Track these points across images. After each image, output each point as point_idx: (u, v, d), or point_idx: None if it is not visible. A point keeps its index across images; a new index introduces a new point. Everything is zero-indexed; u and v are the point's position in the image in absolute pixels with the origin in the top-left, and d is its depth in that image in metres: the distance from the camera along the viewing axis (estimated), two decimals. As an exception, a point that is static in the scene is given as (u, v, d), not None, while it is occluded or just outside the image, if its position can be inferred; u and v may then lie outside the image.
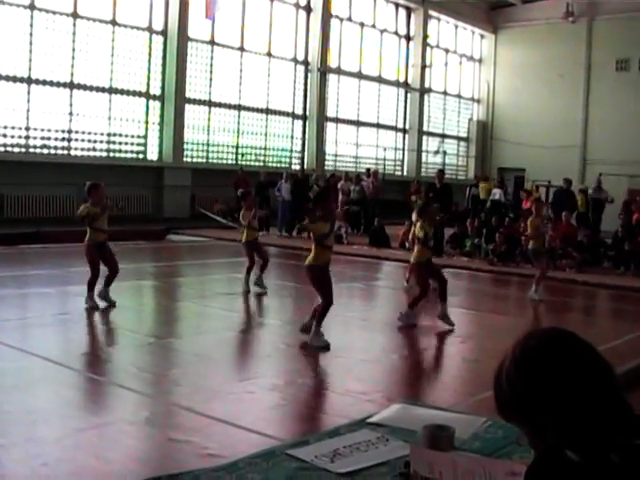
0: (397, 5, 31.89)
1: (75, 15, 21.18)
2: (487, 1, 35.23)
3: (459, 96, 36.16)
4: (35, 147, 20.84)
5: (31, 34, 20.26)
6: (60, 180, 19.93)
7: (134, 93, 22.95)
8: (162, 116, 23.63)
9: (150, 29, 23.12)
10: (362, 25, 30.34)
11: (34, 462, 4.63)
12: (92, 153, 22.10)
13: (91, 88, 21.82)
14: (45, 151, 21.04)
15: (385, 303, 12.65)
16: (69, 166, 20.49)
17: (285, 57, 27.41)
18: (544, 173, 28.36)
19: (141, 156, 23.50)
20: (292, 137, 28.20)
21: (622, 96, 30.60)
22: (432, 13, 33.03)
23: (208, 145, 25.36)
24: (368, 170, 25.94)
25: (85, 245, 9.90)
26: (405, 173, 33.09)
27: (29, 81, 20.38)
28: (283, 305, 11.74)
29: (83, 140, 21.87)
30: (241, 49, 25.70)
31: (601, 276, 15.37)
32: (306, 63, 28.07)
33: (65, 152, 21.47)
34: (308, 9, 27.92)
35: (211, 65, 24.90)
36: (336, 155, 29.96)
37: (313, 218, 8.44)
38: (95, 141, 22.18)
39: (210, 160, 25.40)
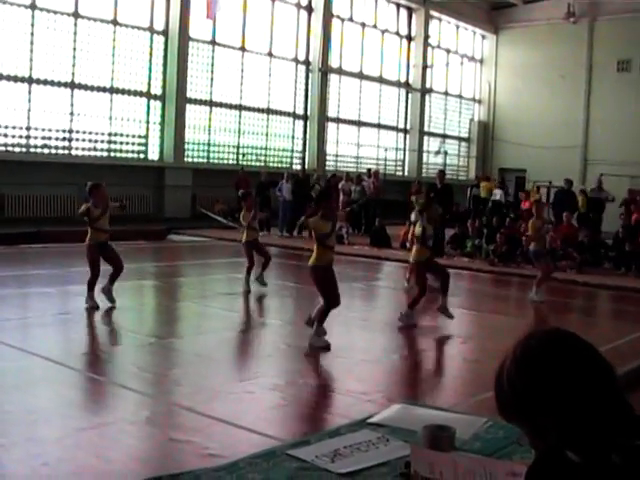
0: (398, 5, 31.89)
1: (76, 15, 21.18)
2: (488, 1, 35.22)
3: (460, 96, 36.16)
4: (36, 147, 20.85)
5: (32, 34, 20.26)
6: (61, 180, 19.94)
7: (135, 93, 22.95)
8: (163, 116, 23.64)
9: (151, 29, 23.13)
10: (363, 25, 30.34)
11: (35, 462, 4.63)
12: (93, 153, 22.11)
13: (92, 88, 21.82)
14: (46, 151, 21.04)
15: (386, 303, 12.65)
16: (70, 166, 20.50)
17: (286, 57, 27.41)
18: (545, 174, 28.34)
19: (142, 156, 23.50)
20: (293, 137, 28.20)
21: (623, 97, 30.59)
22: (433, 13, 33.03)
23: (209, 145, 25.36)
24: (369, 170, 25.94)
25: (86, 245, 9.90)
26: (406, 173, 33.09)
27: (30, 81, 20.38)
28: (284, 305, 11.74)
29: (84, 140, 21.88)
30: (242, 49, 25.71)
31: (602, 277, 15.36)
32: (307, 63, 28.07)
33: (66, 152, 21.48)
34: (309, 9, 27.92)
35: (212, 65, 24.90)
36: (337, 155, 29.97)
37: (313, 216, 8.43)
38: (96, 141, 22.18)
39: (211, 160, 25.40)
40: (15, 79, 20.11)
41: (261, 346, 8.65)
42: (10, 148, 20.28)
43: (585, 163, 32.16)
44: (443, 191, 17.87)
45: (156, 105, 23.58)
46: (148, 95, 23.33)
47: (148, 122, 23.48)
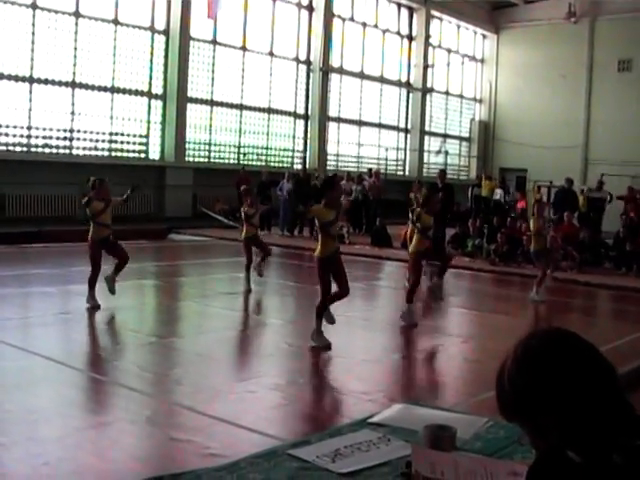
0: (399, 5, 31.88)
1: (77, 14, 21.17)
2: (489, 1, 35.20)
3: (461, 96, 36.15)
4: (37, 146, 20.84)
5: (33, 33, 20.25)
6: (62, 179, 19.94)
7: (136, 92, 22.95)
8: (164, 115, 23.63)
9: (152, 28, 23.13)
10: (364, 25, 30.32)
11: (35, 461, 4.63)
12: (94, 152, 22.11)
13: (93, 87, 21.82)
14: (47, 150, 21.04)
15: (387, 303, 12.66)
16: (71, 165, 20.49)
17: (287, 56, 27.40)
18: (546, 173, 28.34)
19: (143, 155, 23.50)
20: (294, 137, 28.18)
21: (624, 96, 30.59)
22: (434, 13, 33.01)
23: (210, 144, 25.36)
24: (370, 170, 25.94)
25: (89, 241, 9.89)
26: (407, 173, 33.08)
27: (31, 80, 20.38)
28: (284, 304, 11.75)
29: (85, 139, 21.88)
30: (243, 48, 25.70)
31: (602, 277, 15.35)
32: (308, 63, 28.06)
33: (67, 151, 21.48)
34: (310, 8, 27.91)
35: (213, 64, 24.89)
36: (338, 155, 29.96)
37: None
38: (97, 140, 22.18)
39: (212, 159, 25.40)
40: (16, 78, 20.10)
41: (262, 345, 8.65)
42: (11, 147, 20.28)
43: (586, 163, 32.15)
44: (444, 191, 17.83)
45: (157, 104, 23.57)
46: (149, 94, 23.33)
47: (149, 121, 23.47)
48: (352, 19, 29.77)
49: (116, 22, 22.11)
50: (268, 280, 12.14)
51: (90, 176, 10.25)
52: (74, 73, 21.29)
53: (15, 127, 20.29)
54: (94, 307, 9.58)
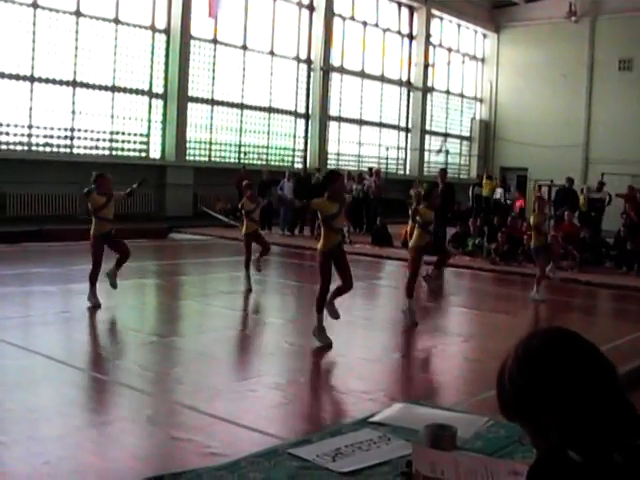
0: (400, 4, 31.86)
1: (78, 13, 21.17)
2: (490, 0, 35.20)
3: (462, 95, 36.13)
4: (38, 145, 20.84)
5: (34, 32, 20.25)
6: (63, 178, 19.93)
7: (137, 91, 22.95)
8: (165, 114, 23.63)
9: (153, 27, 23.12)
10: (365, 24, 30.31)
11: (36, 460, 4.64)
12: (95, 151, 22.11)
13: (94, 86, 21.82)
14: (48, 149, 21.04)
15: (387, 302, 12.65)
16: (72, 164, 20.49)
17: (288, 56, 27.39)
18: (547, 172, 28.28)
19: (144, 154, 23.50)
20: (294, 136, 28.17)
21: (625, 96, 30.58)
22: (435, 12, 33.00)
23: (211, 144, 25.35)
24: (370, 169, 25.94)
25: (91, 237, 9.89)
26: (407, 172, 33.08)
27: (32, 79, 20.38)
28: (285, 304, 11.75)
29: (86, 138, 21.88)
30: (244, 48, 25.69)
31: (603, 276, 15.35)
32: (309, 62, 28.04)
33: (68, 150, 21.48)
34: (311, 8, 27.90)
35: (214, 64, 24.88)
36: (338, 154, 29.95)
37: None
38: (98, 139, 22.19)
39: (213, 159, 25.39)
40: (17, 77, 20.11)
41: (263, 345, 8.65)
42: (12, 147, 20.27)
43: (587, 162, 32.14)
44: (445, 190, 17.85)
45: (158, 104, 23.57)
46: (150, 94, 23.33)
47: (150, 120, 23.47)
48: (353, 18, 29.75)
49: (117, 21, 22.11)
50: (268, 279, 12.15)
51: (91, 175, 10.25)
52: (75, 72, 21.28)
53: (16, 126, 20.28)
54: (95, 306, 9.59)
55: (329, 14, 27.99)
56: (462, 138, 36.50)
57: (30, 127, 20.54)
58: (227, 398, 6.25)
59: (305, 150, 28.16)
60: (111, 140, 22.55)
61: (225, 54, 25.20)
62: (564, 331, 1.81)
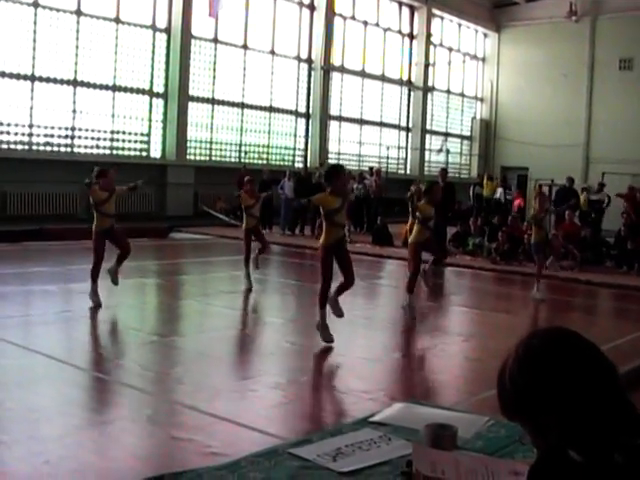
0: (400, 4, 31.86)
1: (79, 13, 21.18)
2: (490, 0, 35.20)
3: (462, 95, 36.14)
4: (38, 144, 20.84)
5: (35, 31, 20.26)
6: (63, 178, 19.93)
7: (137, 91, 22.96)
8: (165, 114, 23.64)
9: (154, 27, 23.13)
10: (365, 23, 30.31)
11: (36, 460, 4.63)
12: (95, 151, 22.11)
13: (94, 86, 21.83)
14: (48, 148, 21.04)
15: (388, 302, 12.64)
16: (72, 164, 20.48)
17: (288, 55, 27.40)
18: (547, 172, 28.27)
19: (144, 154, 23.50)
20: (295, 135, 28.17)
21: (625, 95, 30.59)
22: (435, 12, 33.01)
23: (211, 143, 25.36)
24: (371, 169, 25.94)
25: (93, 232, 9.88)
26: (408, 172, 33.08)
27: (33, 78, 20.38)
28: (285, 303, 11.74)
29: (86, 138, 21.88)
30: (244, 47, 25.70)
31: (604, 275, 15.34)
32: (309, 61, 28.05)
33: (68, 149, 21.49)
34: (312, 7, 27.91)
35: (214, 63, 24.89)
36: (339, 153, 29.95)
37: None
38: (98, 139, 22.19)
39: (213, 158, 25.40)
40: (18, 77, 20.11)
41: (263, 344, 8.64)
42: (12, 146, 20.27)
43: (587, 161, 32.15)
44: (445, 189, 17.84)
45: (158, 103, 23.58)
46: (150, 93, 23.33)
47: (150, 120, 23.47)
48: (353, 18, 29.76)
49: (118, 20, 22.11)
50: (269, 278, 12.15)
51: (92, 174, 10.24)
52: (76, 71, 21.29)
53: (17, 125, 20.29)
54: (96, 305, 9.56)
55: (330, 13, 28.00)
56: (463, 137, 36.50)
57: (31, 126, 20.54)
58: (227, 398, 6.25)
59: (306, 149, 28.17)
60: (112, 139, 22.55)
61: (226, 53, 25.20)
62: (565, 331, 1.81)
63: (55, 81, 20.88)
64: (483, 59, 36.54)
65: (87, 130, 21.84)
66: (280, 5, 26.76)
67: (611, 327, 10.86)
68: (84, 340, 8.35)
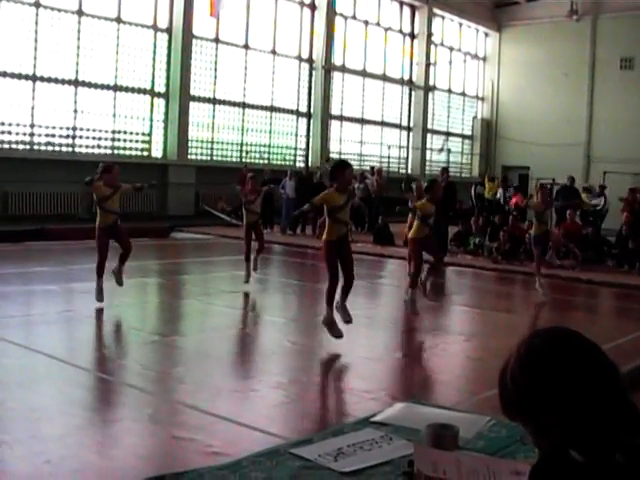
0: (401, 3, 31.86)
1: (80, 13, 21.18)
2: (491, -1, 35.26)
3: (463, 94, 36.13)
4: (40, 144, 20.85)
5: (36, 31, 20.26)
6: (64, 177, 19.93)
7: (139, 90, 22.96)
8: (167, 113, 23.64)
9: (155, 27, 23.13)
10: (366, 23, 30.31)
11: (37, 459, 4.63)
12: (97, 150, 22.12)
13: (96, 85, 21.83)
14: (50, 148, 21.04)
15: (389, 301, 12.64)
16: (73, 163, 20.48)
17: (290, 55, 27.39)
18: (548, 171, 28.24)
19: (146, 153, 23.50)
20: (296, 135, 28.16)
21: (626, 94, 30.58)
22: (436, 11, 33.00)
23: (212, 142, 25.36)
24: (372, 168, 25.94)
25: (96, 228, 9.87)
26: (409, 171, 33.04)
27: (34, 78, 20.39)
28: (287, 302, 11.73)
29: (88, 137, 21.88)
30: (246, 47, 25.69)
31: (605, 274, 15.33)
32: (310, 61, 28.05)
33: (70, 149, 21.49)
34: (313, 7, 27.91)
35: (216, 63, 24.88)
36: (340, 153, 29.89)
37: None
38: (100, 138, 22.19)
39: (214, 158, 25.40)
40: (19, 77, 20.11)
41: (264, 344, 8.64)
42: (14, 145, 20.27)
43: (588, 160, 32.14)
44: (446, 189, 17.84)
45: (160, 103, 23.58)
46: (152, 93, 23.34)
47: (152, 119, 23.47)
48: (354, 17, 29.76)
49: (119, 20, 22.11)
50: (270, 278, 12.15)
51: (93, 174, 10.23)
52: (77, 71, 21.29)
53: (18, 125, 20.29)
54: (100, 306, 9.52)
55: (331, 13, 28.00)
56: (464, 137, 36.50)
57: (32, 126, 20.55)
58: (229, 397, 6.25)
59: (307, 149, 28.17)
60: (113, 139, 22.56)
61: (227, 53, 25.20)
62: (566, 330, 1.81)
63: (56, 81, 20.88)
64: (484, 58, 36.54)
65: (88, 130, 21.85)
66: (281, 5, 26.76)
67: (612, 326, 10.85)
68: (85, 340, 8.35)
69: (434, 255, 10.68)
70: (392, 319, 10.27)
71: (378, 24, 30.84)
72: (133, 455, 4.85)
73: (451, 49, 34.91)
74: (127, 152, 22.89)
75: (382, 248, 18.28)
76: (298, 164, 27.39)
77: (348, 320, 8.22)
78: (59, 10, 20.74)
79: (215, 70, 24.90)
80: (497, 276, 15.58)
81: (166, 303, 11.20)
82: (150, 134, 23.53)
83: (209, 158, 25.19)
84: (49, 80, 20.71)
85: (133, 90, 22.77)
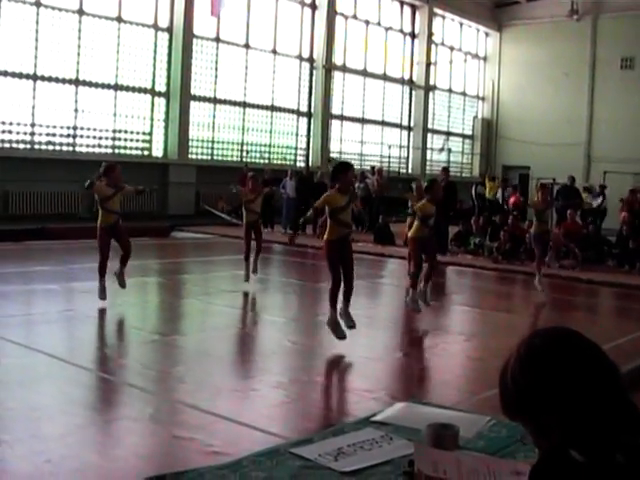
0: (402, 3, 31.84)
1: (81, 12, 21.18)
2: (492, -1, 35.26)
3: (464, 94, 36.11)
4: (40, 144, 20.85)
5: (37, 31, 20.26)
6: (65, 177, 19.93)
7: (139, 90, 22.96)
8: (167, 113, 23.65)
9: (156, 26, 23.12)
10: (367, 23, 30.29)
11: (38, 459, 4.64)
12: (97, 150, 22.12)
13: (96, 85, 21.84)
14: (50, 148, 21.04)
15: (389, 301, 12.65)
16: (74, 163, 20.48)
17: (290, 54, 27.39)
18: (549, 171, 28.26)
19: (146, 153, 23.51)
20: (297, 134, 28.16)
21: (627, 94, 30.57)
22: (437, 11, 32.99)
23: (213, 142, 25.35)
24: (373, 168, 25.93)
25: (98, 228, 9.87)
26: (410, 171, 33.05)
27: (35, 78, 20.39)
28: (287, 302, 11.74)
29: (88, 137, 21.88)
30: (246, 46, 25.69)
31: (605, 274, 15.34)
32: (311, 60, 28.04)
33: (70, 149, 21.49)
34: (313, 6, 27.90)
35: (216, 62, 24.88)
36: (341, 152, 29.89)
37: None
38: (100, 138, 22.19)
39: (215, 157, 25.40)
40: (20, 76, 20.12)
41: (265, 343, 8.65)
42: (14, 145, 20.28)
43: (589, 160, 32.13)
44: (447, 188, 17.83)
45: (160, 102, 23.58)
46: (152, 92, 23.34)
47: (152, 119, 23.48)
48: (355, 17, 29.75)
49: (119, 20, 22.12)
50: (270, 278, 12.15)
51: (94, 173, 10.23)
52: (77, 70, 21.29)
53: (19, 124, 20.30)
54: (103, 306, 9.52)
55: (331, 12, 27.99)
56: (464, 136, 36.49)
57: (33, 125, 20.55)
58: (229, 397, 6.26)
59: (307, 148, 28.13)
60: (114, 138, 22.56)
61: (228, 53, 25.20)
62: (566, 330, 1.81)
63: (57, 80, 20.88)
64: (484, 58, 36.53)
65: (89, 129, 21.85)
66: (282, 4, 26.75)
67: (613, 326, 10.85)
68: (86, 339, 8.36)
69: (430, 260, 10.56)
70: (392, 319, 10.28)
71: (379, 24, 30.83)
72: (133, 454, 4.85)
73: (452, 49, 34.91)
74: (128, 151, 22.89)
75: (382, 248, 18.28)
76: (298, 164, 27.38)
77: (351, 325, 8.18)
78: (60, 9, 20.75)
79: (216, 69, 24.90)
80: (497, 276, 15.58)
81: (166, 302, 11.20)
82: (151, 133, 23.54)
83: (209, 157, 25.19)
84: (50, 79, 20.71)
85: (134, 89, 22.78)
